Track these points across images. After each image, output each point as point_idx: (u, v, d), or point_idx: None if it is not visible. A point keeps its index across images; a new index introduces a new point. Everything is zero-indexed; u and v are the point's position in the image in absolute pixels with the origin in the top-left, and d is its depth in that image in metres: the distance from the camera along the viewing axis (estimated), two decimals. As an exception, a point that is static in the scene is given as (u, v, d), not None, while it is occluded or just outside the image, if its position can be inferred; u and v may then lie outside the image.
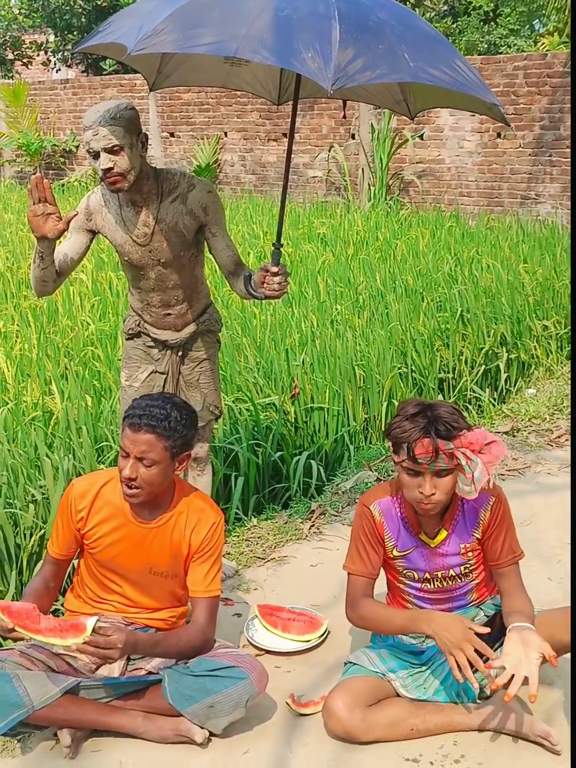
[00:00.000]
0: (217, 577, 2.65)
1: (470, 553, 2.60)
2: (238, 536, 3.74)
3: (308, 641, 2.97)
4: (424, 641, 2.66)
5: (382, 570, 2.69)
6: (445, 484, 2.42)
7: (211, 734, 2.52)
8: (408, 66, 2.41)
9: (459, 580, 2.64)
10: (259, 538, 3.73)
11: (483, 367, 5.47)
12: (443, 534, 2.58)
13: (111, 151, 2.76)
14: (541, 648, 2.32)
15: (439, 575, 2.62)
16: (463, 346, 5.54)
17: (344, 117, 11.45)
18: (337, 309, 6.05)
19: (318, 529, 3.82)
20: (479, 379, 5.43)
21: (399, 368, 5.09)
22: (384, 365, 5.03)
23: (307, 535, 3.76)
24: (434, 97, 3.11)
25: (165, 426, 2.51)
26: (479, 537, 2.59)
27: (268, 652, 2.92)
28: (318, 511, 3.94)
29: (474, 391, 5.32)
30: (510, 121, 3.02)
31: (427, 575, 2.63)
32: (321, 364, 4.93)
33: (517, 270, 6.94)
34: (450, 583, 2.64)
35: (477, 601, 2.69)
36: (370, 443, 4.78)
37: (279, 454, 4.25)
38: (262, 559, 3.58)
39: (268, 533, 3.76)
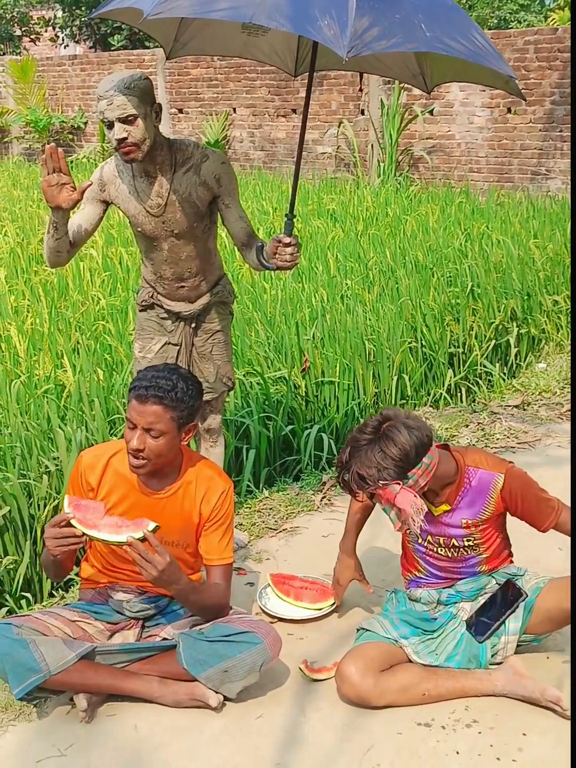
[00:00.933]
0: (230, 545, 2.68)
1: (474, 528, 2.62)
2: (249, 508, 3.77)
3: (320, 609, 3.00)
4: (436, 609, 2.69)
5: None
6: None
7: (225, 699, 2.55)
8: (424, 36, 2.41)
9: (465, 552, 2.66)
10: (270, 509, 3.76)
11: (493, 341, 5.47)
12: (446, 507, 2.61)
13: (125, 120, 2.76)
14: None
15: (442, 541, 2.65)
16: (473, 321, 5.54)
17: (360, 90, 11.38)
18: (347, 284, 6.05)
19: (329, 500, 3.85)
20: (489, 354, 5.44)
21: (409, 343, 5.10)
22: (394, 340, 5.04)
23: (318, 507, 3.79)
24: (451, 71, 3.10)
25: (172, 397, 2.52)
26: (489, 516, 2.60)
27: (280, 619, 2.95)
28: (329, 483, 3.96)
29: (484, 366, 5.33)
30: (523, 94, 3.01)
31: (429, 538, 2.66)
32: (331, 339, 4.94)
33: (528, 245, 6.92)
34: (455, 552, 2.66)
35: (488, 570, 2.72)
36: (381, 417, 4.79)
37: (290, 427, 4.27)
38: (274, 530, 3.61)
39: (280, 505, 3.79)
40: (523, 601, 2.60)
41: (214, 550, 2.65)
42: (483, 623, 2.59)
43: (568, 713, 2.43)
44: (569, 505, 2.54)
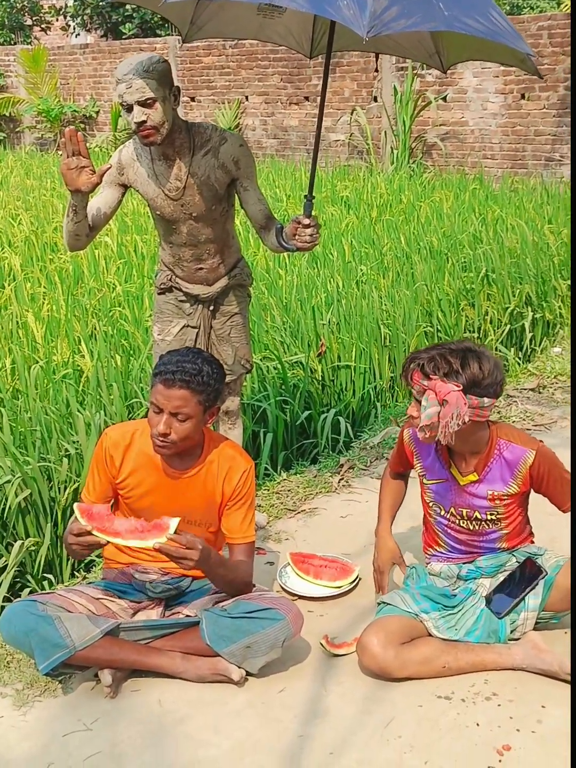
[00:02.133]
0: (252, 523, 2.72)
1: (498, 501, 2.65)
2: (268, 490, 3.81)
3: (340, 587, 3.03)
4: (455, 585, 2.72)
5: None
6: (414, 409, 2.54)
7: (248, 674, 2.59)
8: (442, 15, 2.41)
9: (486, 526, 2.69)
10: (289, 491, 3.79)
11: (508, 326, 5.48)
12: (474, 476, 2.65)
13: (144, 103, 2.78)
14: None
15: (465, 514, 2.68)
16: (488, 306, 5.56)
17: (376, 71, 11.35)
18: (362, 270, 6.07)
19: (347, 482, 3.88)
20: (504, 339, 5.46)
21: (424, 327, 5.12)
22: (409, 325, 5.07)
23: (336, 488, 3.82)
24: (468, 50, 3.10)
25: (198, 381, 2.55)
26: (517, 490, 2.63)
27: (301, 597, 2.98)
28: (346, 466, 3.99)
29: (499, 351, 5.34)
30: (540, 73, 3.02)
31: (452, 510, 2.69)
32: (347, 324, 4.96)
33: (542, 230, 6.92)
34: (476, 525, 2.69)
35: (508, 548, 2.74)
36: (397, 401, 4.82)
37: (307, 411, 4.29)
38: (293, 511, 3.64)
39: (298, 486, 3.82)
40: (543, 578, 2.63)
41: (237, 529, 2.69)
42: (502, 599, 2.62)
43: None
44: None
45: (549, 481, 2.62)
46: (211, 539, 2.76)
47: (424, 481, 2.75)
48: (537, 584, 2.62)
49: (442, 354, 2.49)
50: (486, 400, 2.48)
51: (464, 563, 2.75)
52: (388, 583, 2.88)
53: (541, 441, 2.67)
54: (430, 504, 2.76)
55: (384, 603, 2.69)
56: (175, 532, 2.41)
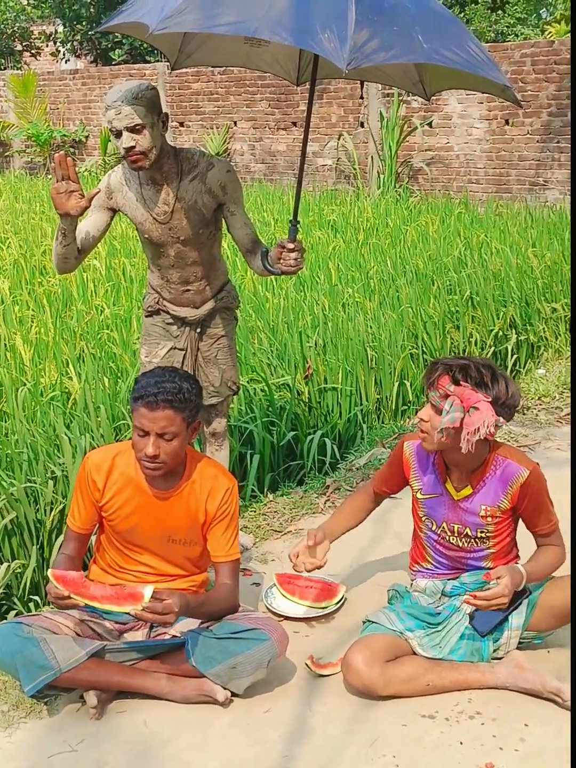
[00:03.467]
0: (236, 542, 2.74)
1: (490, 518, 2.68)
2: (254, 511, 3.82)
3: (325, 608, 3.04)
4: (440, 601, 2.75)
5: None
6: (436, 423, 2.55)
7: (233, 694, 2.59)
8: (422, 47, 2.47)
9: (475, 543, 2.72)
10: (275, 512, 3.81)
11: (493, 348, 5.54)
12: (468, 490, 2.68)
13: (133, 129, 2.83)
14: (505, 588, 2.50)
15: (456, 529, 2.71)
16: (472, 329, 5.61)
17: (361, 98, 11.48)
18: (348, 293, 6.12)
19: (333, 503, 3.89)
20: (490, 361, 5.49)
21: (410, 349, 5.16)
22: (395, 347, 5.11)
23: (322, 509, 3.83)
24: (449, 79, 3.17)
25: (180, 398, 2.57)
26: (507, 506, 2.67)
27: (286, 618, 2.99)
28: (333, 487, 4.01)
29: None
30: (520, 102, 3.09)
31: (444, 525, 2.72)
32: (333, 346, 5.00)
33: (526, 254, 7.00)
34: (465, 542, 2.72)
35: (493, 567, 2.76)
36: (383, 422, 4.85)
37: (293, 433, 4.32)
38: (279, 532, 3.65)
39: (284, 508, 3.84)
40: (526, 598, 2.66)
41: (221, 548, 2.71)
42: (486, 618, 2.64)
43: (569, 704, 2.48)
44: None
45: (531, 502, 2.66)
46: (196, 559, 2.78)
47: (419, 496, 2.78)
48: (520, 603, 2.64)
49: (474, 364, 2.54)
50: (501, 419, 2.52)
51: (449, 579, 2.78)
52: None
53: (537, 463, 2.70)
54: (423, 519, 2.78)
55: (369, 621, 2.71)
56: (151, 597, 2.42)
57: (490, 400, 2.49)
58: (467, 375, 2.51)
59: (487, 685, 2.59)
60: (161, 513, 2.69)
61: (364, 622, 2.75)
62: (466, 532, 2.70)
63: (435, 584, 2.78)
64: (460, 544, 2.73)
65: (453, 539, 2.73)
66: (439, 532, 2.75)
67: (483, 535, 2.70)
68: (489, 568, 2.74)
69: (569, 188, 9.94)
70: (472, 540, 2.71)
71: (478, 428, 2.47)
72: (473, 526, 2.69)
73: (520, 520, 2.75)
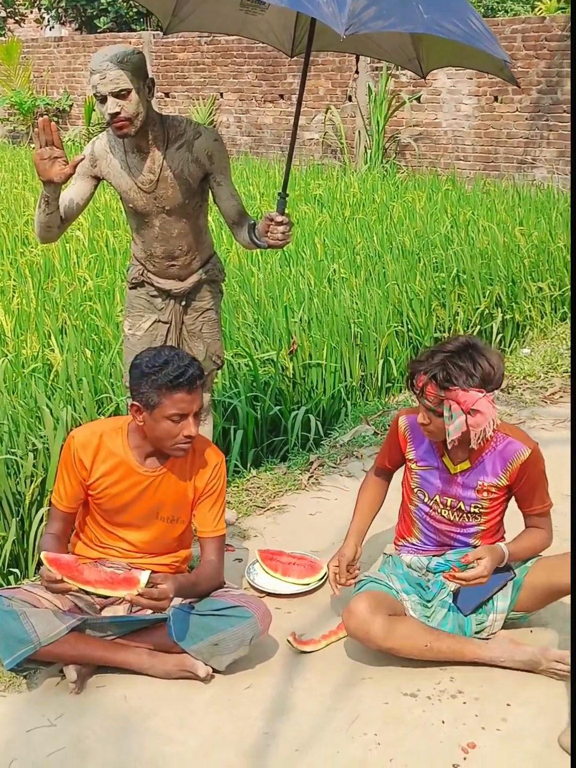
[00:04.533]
0: (222, 517, 2.72)
1: (485, 493, 2.67)
2: (237, 486, 3.80)
3: (308, 584, 3.03)
4: (426, 577, 2.74)
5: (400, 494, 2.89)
6: (438, 423, 2.52)
7: (214, 670, 2.58)
8: (422, 18, 2.42)
9: (467, 518, 2.71)
10: (258, 488, 3.79)
11: (478, 327, 5.52)
12: (466, 465, 2.67)
13: (118, 95, 2.76)
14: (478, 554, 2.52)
15: (449, 503, 2.70)
16: (459, 307, 5.58)
17: (357, 72, 11.37)
18: (334, 268, 6.08)
19: (316, 480, 3.88)
20: (475, 340, 5.47)
21: (395, 327, 5.13)
22: (380, 324, 5.08)
23: (305, 486, 3.82)
24: (446, 55, 3.12)
25: (202, 376, 2.61)
26: (505, 483, 2.66)
27: (268, 594, 2.98)
28: (316, 463, 4.00)
29: (469, 351, 5.36)
30: (517, 81, 3.03)
31: (437, 498, 2.71)
32: (318, 322, 4.96)
33: (513, 232, 6.96)
34: (457, 517, 2.71)
35: (480, 545, 2.76)
36: (367, 399, 4.83)
37: (277, 408, 4.29)
38: (262, 508, 3.63)
39: (268, 483, 3.82)
40: (511, 580, 2.65)
41: (208, 523, 2.69)
42: (469, 596, 2.63)
43: (569, 671, 2.47)
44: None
45: (528, 482, 2.64)
46: (182, 536, 2.75)
47: (413, 466, 2.76)
48: (505, 585, 2.64)
49: (450, 360, 2.46)
50: (496, 392, 2.51)
51: (434, 556, 2.76)
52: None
53: (537, 442, 2.68)
54: (415, 490, 2.76)
55: (367, 578, 2.72)
56: (147, 582, 2.40)
57: (483, 393, 2.45)
58: (451, 376, 2.45)
59: (482, 658, 2.59)
60: (151, 491, 2.67)
61: (358, 581, 2.75)
62: (460, 507, 2.69)
63: (420, 559, 2.77)
64: (452, 518, 2.72)
65: (445, 513, 2.72)
66: (431, 505, 2.73)
67: (476, 510, 2.69)
68: (476, 546, 2.73)
69: (558, 166, 9.91)
70: (465, 514, 2.70)
71: (485, 428, 2.46)
72: (467, 501, 2.68)
73: (513, 499, 2.73)
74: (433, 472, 2.71)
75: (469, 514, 2.70)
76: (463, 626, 2.65)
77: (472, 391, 2.44)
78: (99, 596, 2.67)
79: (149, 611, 2.66)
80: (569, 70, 9.28)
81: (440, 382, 2.45)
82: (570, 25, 8.34)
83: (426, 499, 2.73)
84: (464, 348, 2.49)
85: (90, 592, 2.47)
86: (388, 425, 4.36)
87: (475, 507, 2.69)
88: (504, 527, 2.82)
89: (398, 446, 2.81)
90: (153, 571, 2.47)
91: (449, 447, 2.55)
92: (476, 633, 2.66)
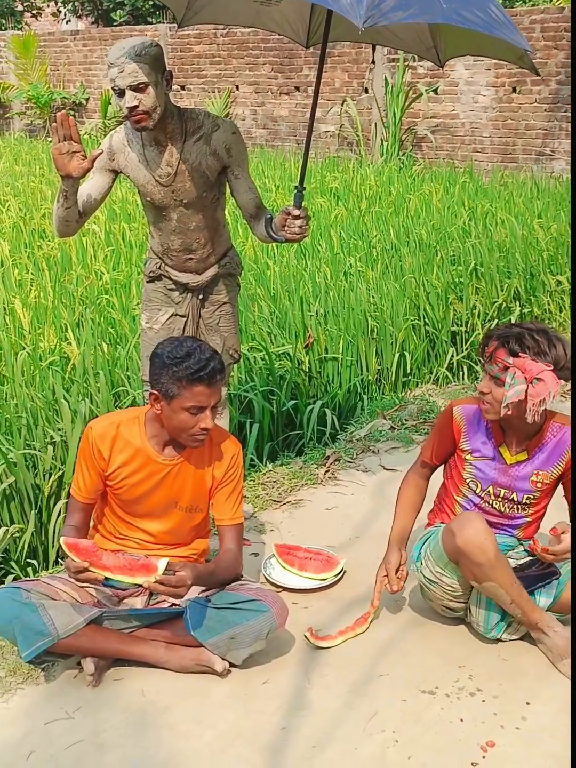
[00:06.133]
0: (240, 505, 2.73)
1: (539, 485, 2.67)
2: (253, 480, 3.79)
3: (325, 579, 3.02)
4: None
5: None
6: (497, 394, 2.52)
7: (231, 665, 2.57)
8: (441, 7, 2.39)
9: (517, 510, 2.71)
10: (274, 482, 3.78)
11: (496, 321, 5.48)
12: (523, 456, 2.67)
13: (136, 88, 2.75)
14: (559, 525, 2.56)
15: (503, 494, 2.70)
16: (476, 300, 5.55)
17: (373, 62, 11.31)
18: (350, 262, 6.06)
19: (333, 474, 3.87)
20: (492, 333, 5.44)
21: (412, 320, 5.11)
22: (397, 317, 5.06)
23: (322, 480, 3.81)
24: (465, 44, 3.09)
25: (223, 372, 2.60)
26: (558, 473, 2.67)
27: (285, 589, 2.97)
28: (333, 458, 3.98)
29: (487, 345, 5.33)
30: (537, 69, 3.00)
31: (490, 489, 2.70)
32: (334, 315, 4.95)
33: (532, 225, 6.92)
34: (507, 508, 2.71)
35: (522, 537, 2.78)
36: (383, 393, 4.82)
37: (293, 402, 4.28)
38: (278, 502, 3.63)
39: (284, 478, 3.81)
40: (556, 579, 2.66)
41: (227, 511, 2.71)
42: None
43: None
44: None
45: None
46: (199, 524, 2.76)
47: (468, 457, 2.74)
48: (549, 583, 2.63)
49: (528, 332, 2.49)
50: (562, 381, 2.50)
51: None
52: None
53: None
54: (468, 481, 2.75)
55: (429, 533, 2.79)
56: (165, 569, 2.40)
57: (551, 367, 2.45)
58: (524, 345, 2.47)
59: (543, 621, 2.61)
60: (169, 480, 2.67)
61: (424, 537, 2.80)
62: (513, 498, 2.69)
63: None
64: (502, 510, 2.72)
65: (496, 504, 2.72)
66: (482, 496, 2.73)
67: (528, 501, 2.70)
68: (518, 538, 2.75)
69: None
70: (516, 506, 2.70)
71: (544, 398, 2.45)
72: (521, 492, 2.68)
73: (564, 489, 2.74)
74: (488, 463, 2.70)
75: (520, 505, 2.71)
76: (499, 611, 2.65)
77: (540, 362, 2.46)
78: (116, 587, 2.67)
79: (166, 604, 2.67)
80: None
81: (511, 348, 2.48)
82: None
83: (478, 490, 2.73)
84: (543, 330, 2.53)
85: (108, 578, 2.48)
86: (404, 420, 4.36)
87: (527, 498, 2.69)
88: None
89: (451, 437, 2.78)
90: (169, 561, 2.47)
91: (502, 413, 2.52)
92: (509, 624, 2.67)
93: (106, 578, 2.46)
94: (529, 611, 2.60)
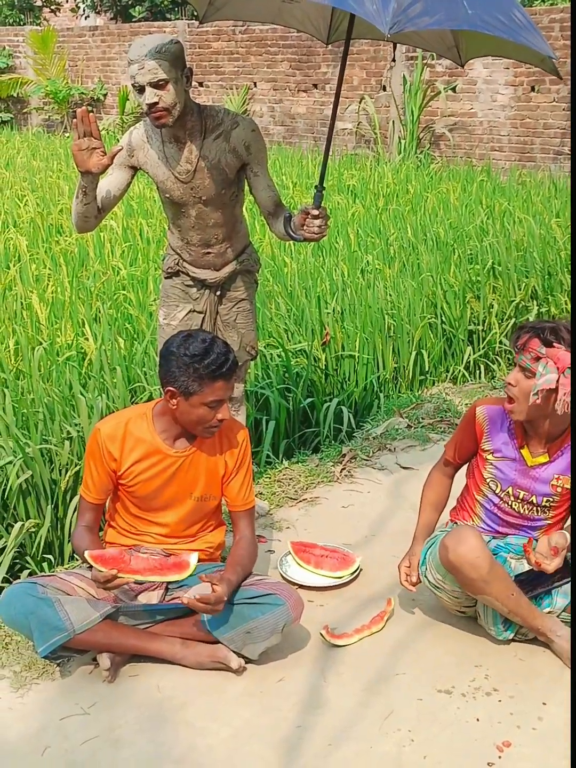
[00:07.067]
0: (252, 488, 2.77)
1: (559, 488, 2.66)
2: (270, 478, 3.79)
3: (341, 578, 3.02)
4: (490, 540, 2.75)
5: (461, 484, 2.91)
6: (525, 387, 2.52)
7: (247, 661, 2.58)
8: (466, 13, 2.38)
9: (537, 512, 2.71)
10: (290, 479, 3.78)
11: (513, 320, 5.45)
12: (544, 458, 2.66)
13: (156, 85, 2.75)
14: (558, 542, 2.54)
15: (522, 496, 2.69)
16: (493, 299, 5.53)
17: (393, 61, 11.28)
18: (367, 260, 6.04)
19: (349, 472, 3.86)
20: (509, 332, 5.42)
21: (429, 319, 5.10)
22: (414, 316, 5.04)
23: (338, 478, 3.80)
24: (487, 46, 3.08)
25: (238, 364, 2.65)
26: None
27: (301, 586, 2.97)
28: (349, 456, 3.98)
29: (504, 344, 5.32)
30: (560, 73, 2.98)
31: (509, 490, 2.70)
32: (351, 313, 4.94)
33: (549, 224, 6.88)
34: (527, 510, 2.71)
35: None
36: (400, 392, 4.81)
37: (309, 400, 4.28)
38: (294, 499, 3.63)
39: (300, 475, 3.81)
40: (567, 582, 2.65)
41: (239, 496, 2.74)
42: (527, 584, 2.63)
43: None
44: None
45: None
46: (213, 513, 2.79)
47: (490, 458, 2.74)
48: (567, 582, 2.62)
49: (563, 326, 2.51)
50: None
51: (493, 538, 2.76)
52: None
53: None
54: (488, 481, 2.74)
55: (439, 534, 2.77)
56: (194, 572, 2.46)
57: None
58: (559, 336, 2.48)
59: (546, 628, 2.61)
60: (182, 472, 2.68)
61: (432, 537, 2.79)
62: (532, 500, 2.69)
63: None
64: (522, 511, 2.71)
65: (515, 505, 2.71)
66: (501, 496, 2.72)
67: (547, 504, 2.69)
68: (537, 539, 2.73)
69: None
70: (535, 508, 2.70)
71: (567, 385, 2.45)
72: (540, 495, 2.68)
73: None
74: (509, 464, 2.70)
75: (539, 508, 2.70)
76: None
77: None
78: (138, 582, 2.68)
79: (180, 600, 2.67)
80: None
81: (545, 338, 2.49)
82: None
83: (497, 490, 2.72)
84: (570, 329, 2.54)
85: (144, 581, 2.51)
86: (421, 418, 4.35)
87: (547, 500, 2.68)
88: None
89: (474, 437, 2.78)
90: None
91: (531, 401, 2.51)
92: (520, 626, 2.66)
93: (135, 581, 2.49)
94: (530, 619, 2.60)
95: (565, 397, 2.45)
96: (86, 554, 2.48)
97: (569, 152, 10.04)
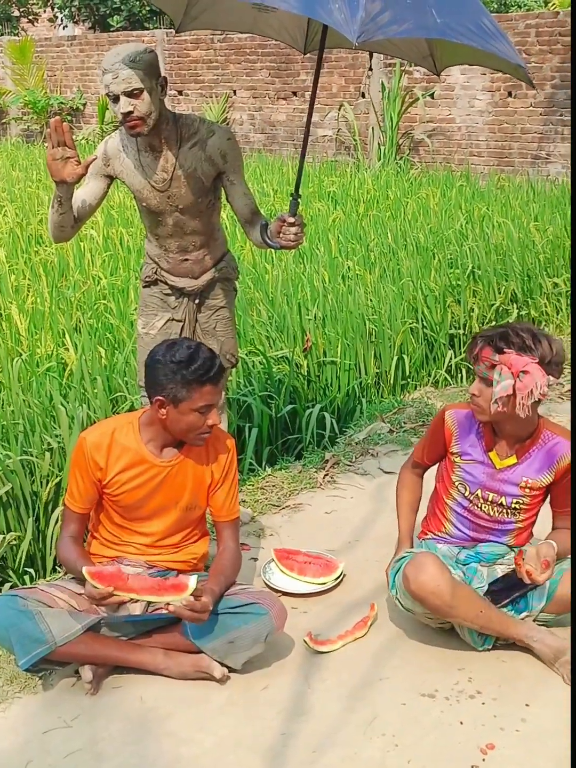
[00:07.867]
0: (237, 499, 2.76)
1: (528, 490, 2.67)
2: (252, 485, 3.78)
3: (324, 584, 3.01)
4: (455, 568, 2.74)
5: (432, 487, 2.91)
6: (488, 396, 2.53)
7: (230, 670, 2.56)
8: (435, 22, 2.39)
9: (507, 514, 2.71)
10: (273, 486, 3.77)
11: (494, 323, 5.48)
12: (512, 460, 2.67)
13: (131, 94, 2.75)
14: (547, 554, 2.52)
15: (490, 498, 2.69)
16: (474, 303, 5.56)
17: (370, 69, 11.33)
18: (348, 265, 6.06)
19: (332, 478, 3.86)
20: (490, 336, 5.44)
21: (410, 323, 5.11)
22: (395, 320, 5.06)
23: (321, 484, 3.80)
24: (461, 54, 3.09)
25: (223, 368, 2.66)
26: (548, 482, 2.66)
27: (284, 594, 2.96)
28: (332, 461, 3.98)
29: (485, 348, 5.33)
30: (532, 82, 3.00)
31: (478, 492, 2.70)
32: (333, 319, 4.95)
33: (528, 228, 6.93)
34: (497, 512, 2.71)
35: (513, 543, 2.76)
36: (382, 397, 4.81)
37: (291, 406, 4.28)
38: (277, 506, 3.62)
39: (283, 482, 3.80)
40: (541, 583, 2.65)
41: (224, 507, 2.73)
42: (502, 591, 2.63)
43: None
44: None
45: (566, 482, 2.65)
46: (198, 522, 2.78)
47: (458, 460, 2.74)
48: (536, 586, 2.62)
49: (512, 330, 2.52)
50: (551, 378, 2.50)
51: (465, 547, 2.76)
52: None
53: None
54: (456, 484, 2.75)
55: (408, 553, 2.75)
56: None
57: (536, 360, 2.46)
58: (508, 342, 2.49)
59: (521, 635, 2.61)
60: (169, 481, 2.67)
61: (401, 557, 2.78)
62: (501, 502, 2.69)
63: (450, 549, 2.77)
64: (491, 514, 2.71)
65: (485, 507, 2.71)
66: (471, 500, 2.73)
67: (517, 506, 2.69)
68: (509, 545, 2.74)
69: (571, 164, 9.84)
70: (505, 510, 2.70)
71: (531, 390, 2.45)
72: (510, 497, 2.68)
73: (550, 499, 2.75)
74: (477, 467, 2.70)
75: (509, 510, 2.70)
76: None
77: (525, 356, 2.47)
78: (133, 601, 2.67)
79: (164, 610, 2.66)
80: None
81: (496, 346, 2.50)
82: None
83: (467, 493, 2.73)
84: (527, 327, 2.55)
85: (140, 599, 2.50)
86: (403, 423, 4.36)
87: (515, 503, 2.69)
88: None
89: (442, 440, 2.79)
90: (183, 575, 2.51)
91: (493, 410, 2.52)
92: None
93: (130, 599, 2.48)
94: (504, 631, 2.61)
95: (523, 400, 2.47)
96: (84, 571, 2.46)
97: (547, 156, 10.10)
